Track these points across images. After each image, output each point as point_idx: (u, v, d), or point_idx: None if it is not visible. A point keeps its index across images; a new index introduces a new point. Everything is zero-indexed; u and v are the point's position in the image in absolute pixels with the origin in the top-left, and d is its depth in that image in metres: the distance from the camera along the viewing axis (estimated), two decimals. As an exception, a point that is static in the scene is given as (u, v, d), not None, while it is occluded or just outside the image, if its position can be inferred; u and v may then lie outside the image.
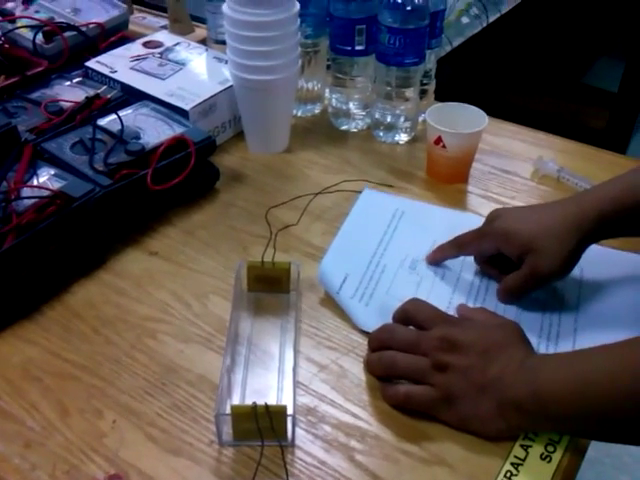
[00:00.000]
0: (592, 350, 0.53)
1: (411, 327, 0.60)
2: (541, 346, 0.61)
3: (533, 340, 0.59)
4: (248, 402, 0.53)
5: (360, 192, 0.80)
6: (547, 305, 0.66)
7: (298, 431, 0.55)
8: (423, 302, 0.61)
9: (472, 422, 0.54)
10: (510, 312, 0.65)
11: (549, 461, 0.53)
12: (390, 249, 0.72)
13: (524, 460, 0.53)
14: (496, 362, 0.54)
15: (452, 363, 0.55)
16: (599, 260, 0.69)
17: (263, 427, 0.52)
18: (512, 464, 0.53)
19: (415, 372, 0.56)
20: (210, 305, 0.67)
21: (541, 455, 0.53)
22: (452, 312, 0.65)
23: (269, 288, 0.67)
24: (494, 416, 0.54)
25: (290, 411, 0.53)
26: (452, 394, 0.55)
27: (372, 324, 0.62)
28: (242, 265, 0.66)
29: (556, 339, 0.62)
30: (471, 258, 0.70)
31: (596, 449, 0.55)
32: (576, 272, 0.69)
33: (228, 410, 0.53)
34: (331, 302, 0.67)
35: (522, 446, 0.54)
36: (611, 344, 0.52)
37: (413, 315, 0.60)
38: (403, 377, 0.57)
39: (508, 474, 0.52)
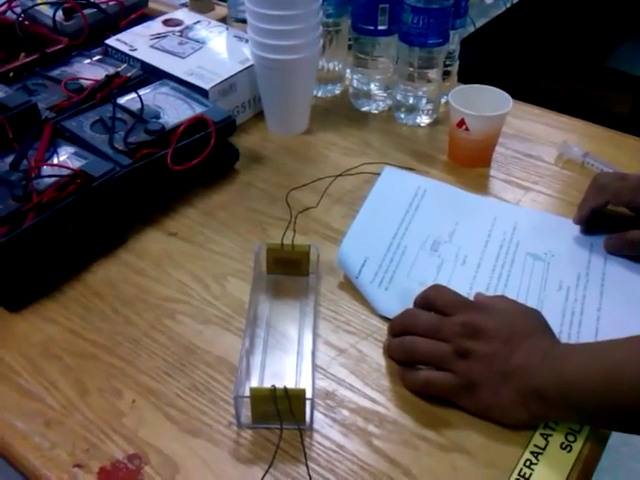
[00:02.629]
0: (620, 341, 0.52)
1: (433, 313, 0.59)
2: (563, 334, 0.61)
3: (555, 328, 0.58)
4: (267, 385, 0.53)
5: (380, 174, 0.79)
6: (570, 293, 0.65)
7: (316, 415, 0.55)
8: (445, 288, 0.60)
9: (493, 410, 0.54)
10: (532, 299, 0.64)
11: (569, 450, 0.52)
12: (412, 229, 0.72)
13: (544, 449, 0.52)
14: (520, 350, 0.54)
15: (474, 350, 0.54)
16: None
17: (282, 410, 0.51)
18: (532, 453, 0.52)
19: (436, 358, 0.56)
20: (229, 287, 0.67)
21: (561, 444, 0.53)
22: (473, 298, 0.64)
23: (288, 271, 0.67)
24: (516, 405, 0.53)
25: (309, 395, 0.52)
26: (473, 381, 0.54)
27: (392, 309, 0.62)
28: (261, 247, 0.66)
29: (578, 327, 0.61)
30: (494, 245, 0.70)
31: (613, 437, 0.54)
32: (600, 260, 0.68)
33: (247, 392, 0.53)
34: (350, 286, 0.67)
35: (542, 435, 0.53)
36: None
37: (434, 300, 0.59)
38: (424, 362, 0.57)
39: (528, 463, 0.52)
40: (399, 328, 0.59)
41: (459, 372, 0.54)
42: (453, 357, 0.55)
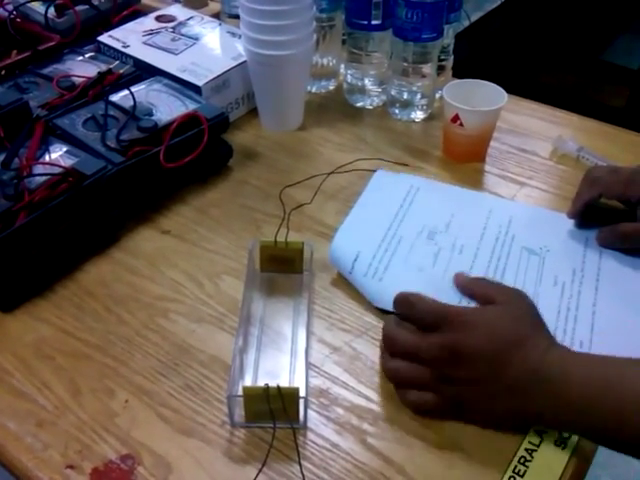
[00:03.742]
0: (627, 365, 0.49)
1: (409, 332, 0.56)
2: (558, 330, 0.60)
3: (551, 323, 0.58)
4: (260, 383, 0.52)
5: (374, 171, 0.79)
6: (565, 288, 0.64)
7: (310, 413, 0.55)
8: (425, 298, 0.57)
9: (486, 424, 0.53)
10: (528, 293, 0.63)
11: (564, 447, 0.52)
12: (406, 221, 0.71)
13: (539, 446, 0.52)
14: (509, 368, 0.51)
15: (457, 376, 0.52)
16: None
17: (275, 409, 0.51)
18: (526, 450, 0.52)
19: (420, 384, 0.54)
20: (222, 285, 0.66)
21: (556, 441, 0.53)
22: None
23: (282, 268, 0.66)
24: (509, 422, 0.52)
25: (302, 393, 0.52)
26: (462, 403, 0.53)
27: (387, 300, 0.61)
28: (255, 244, 0.65)
29: (574, 322, 0.61)
30: (489, 237, 0.69)
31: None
32: (595, 255, 0.68)
33: (240, 391, 0.52)
34: (344, 283, 0.66)
35: (536, 432, 0.53)
36: None
37: (412, 308, 0.57)
38: (408, 387, 0.55)
39: (522, 460, 0.52)
40: (385, 346, 0.58)
41: (446, 396, 0.53)
42: (437, 382, 0.53)
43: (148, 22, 0.95)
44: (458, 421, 0.54)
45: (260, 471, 0.50)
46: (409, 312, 0.57)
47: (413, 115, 0.90)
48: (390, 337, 0.57)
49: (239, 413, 0.54)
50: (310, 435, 0.54)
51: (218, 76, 0.85)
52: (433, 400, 0.53)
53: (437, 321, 0.54)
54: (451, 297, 0.63)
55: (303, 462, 0.51)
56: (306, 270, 0.67)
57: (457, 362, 0.51)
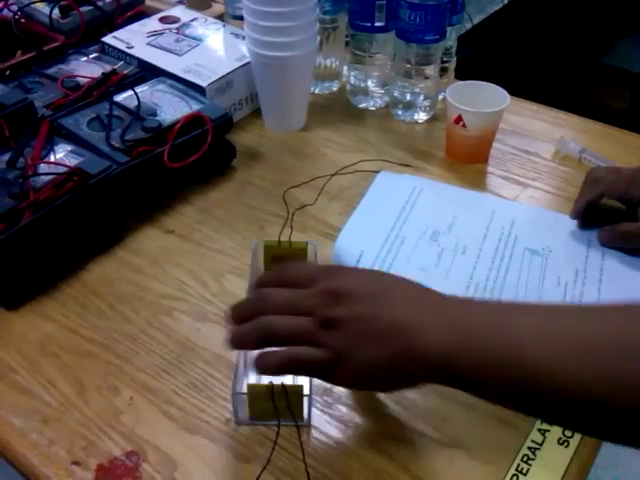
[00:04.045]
0: (526, 308, 0.45)
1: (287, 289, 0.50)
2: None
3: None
4: (265, 381, 0.52)
5: (377, 172, 0.79)
6: (568, 288, 0.65)
7: (314, 411, 0.55)
8: (297, 263, 0.54)
9: (368, 377, 0.46)
10: (531, 294, 0.64)
11: (567, 446, 0.52)
12: (410, 221, 0.72)
13: (541, 444, 0.53)
14: (393, 306, 0.46)
15: (339, 316, 0.46)
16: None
17: (280, 407, 0.51)
18: (529, 448, 0.52)
19: (300, 335, 0.47)
20: (226, 284, 0.67)
21: (559, 440, 0.53)
22: (473, 286, 0.64)
23: None
24: (394, 370, 0.45)
25: (306, 391, 0.52)
26: (343, 351, 0.45)
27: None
28: (258, 244, 0.66)
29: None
30: (492, 238, 0.70)
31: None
32: (597, 256, 0.68)
33: (245, 389, 0.53)
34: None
35: (540, 430, 0.53)
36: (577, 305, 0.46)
37: (286, 274, 0.51)
38: (283, 342, 0.47)
39: (525, 458, 0.52)
40: (249, 312, 0.49)
41: (327, 345, 0.46)
42: (318, 330, 0.46)
43: (152, 23, 0.96)
44: (339, 383, 0.49)
45: (264, 468, 0.51)
46: (280, 274, 0.51)
47: (416, 116, 0.90)
48: (260, 294, 0.50)
49: (244, 411, 0.54)
50: (314, 433, 0.54)
51: (222, 77, 0.85)
52: (312, 352, 0.46)
53: (314, 275, 0.49)
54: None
55: (307, 459, 0.51)
56: None
57: (339, 301, 0.46)
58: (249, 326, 0.48)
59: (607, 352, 0.40)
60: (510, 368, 0.41)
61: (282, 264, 0.53)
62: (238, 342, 0.49)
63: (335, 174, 0.80)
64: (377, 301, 0.47)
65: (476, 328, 0.44)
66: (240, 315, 0.49)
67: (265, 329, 0.47)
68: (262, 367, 0.47)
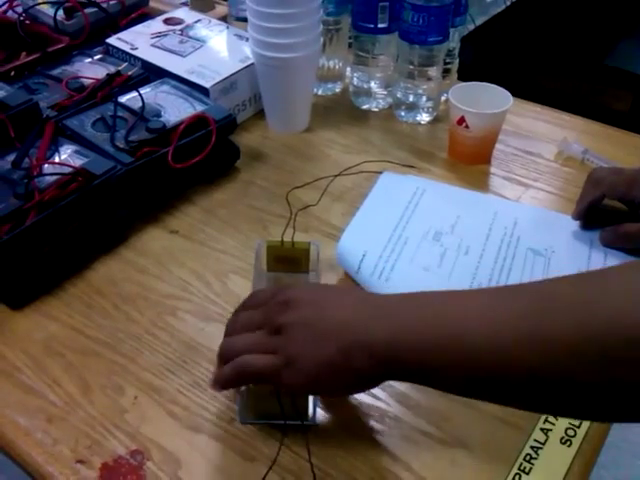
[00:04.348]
0: (463, 293, 0.46)
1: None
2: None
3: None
4: None
5: (380, 172, 0.80)
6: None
7: (318, 411, 0.55)
8: (261, 289, 0.57)
9: (316, 377, 0.47)
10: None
11: (569, 445, 0.53)
12: (412, 222, 0.72)
13: (544, 444, 0.53)
14: (337, 307, 0.48)
15: (286, 321, 0.48)
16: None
17: (285, 405, 0.52)
18: (532, 447, 0.52)
19: (252, 345, 0.49)
20: (230, 284, 0.67)
21: (561, 439, 0.53)
22: (476, 287, 0.64)
23: (289, 268, 0.67)
24: (339, 366, 0.46)
25: None
26: (291, 353, 0.47)
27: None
28: (261, 244, 0.66)
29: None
30: (495, 239, 0.70)
31: (612, 434, 0.54)
32: (600, 256, 0.68)
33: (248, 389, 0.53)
34: (351, 283, 0.67)
35: (542, 430, 0.54)
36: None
37: (250, 300, 0.55)
38: (242, 355, 0.50)
39: (528, 457, 0.52)
40: (224, 352, 0.52)
41: (277, 350, 0.48)
42: (268, 338, 0.49)
43: (156, 25, 0.96)
44: (293, 379, 0.48)
45: (270, 468, 0.51)
46: (247, 301, 0.55)
47: (419, 117, 0.91)
48: (229, 322, 0.54)
49: (248, 410, 0.54)
50: (318, 432, 0.54)
51: (226, 78, 0.85)
52: (263, 357, 0.48)
53: (271, 292, 0.53)
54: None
55: (311, 459, 0.52)
56: (312, 270, 0.67)
57: (286, 309, 0.49)
58: (227, 369, 0.50)
59: (540, 315, 0.40)
60: (453, 353, 0.42)
61: (250, 294, 0.56)
62: (221, 384, 0.52)
63: (339, 175, 0.80)
64: (321, 305, 0.49)
65: (418, 318, 0.45)
66: (221, 358, 0.52)
67: (225, 347, 0.52)
68: (216, 385, 0.51)
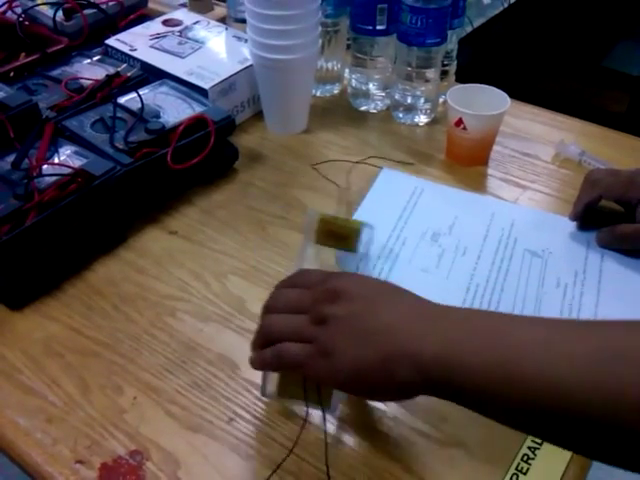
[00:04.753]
0: (522, 319, 0.45)
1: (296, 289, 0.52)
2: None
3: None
4: None
5: (380, 168, 0.80)
6: (567, 289, 0.65)
7: (318, 412, 0.55)
8: (310, 269, 0.55)
9: (353, 377, 0.45)
10: (530, 295, 0.65)
11: (567, 445, 0.53)
12: (410, 222, 0.72)
13: (541, 444, 0.53)
14: (389, 307, 0.46)
15: (333, 312, 0.46)
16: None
17: (309, 390, 0.50)
18: (529, 448, 0.53)
19: (292, 330, 0.48)
20: (229, 285, 0.67)
21: (559, 439, 0.53)
22: (474, 288, 0.65)
23: (337, 244, 0.65)
24: (376, 368, 0.44)
25: None
26: (330, 345, 0.46)
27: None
28: (313, 215, 0.64)
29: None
30: (492, 240, 0.70)
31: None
32: (597, 257, 0.69)
33: None
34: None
35: (540, 430, 0.54)
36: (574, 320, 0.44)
37: (298, 278, 0.53)
38: (282, 340, 0.49)
39: (525, 457, 0.52)
40: (264, 334, 0.51)
41: (316, 340, 0.46)
42: (310, 326, 0.47)
43: (155, 26, 0.96)
44: (328, 373, 0.46)
45: (277, 469, 0.51)
46: (293, 279, 0.53)
47: (417, 119, 0.91)
48: (271, 297, 0.52)
49: (272, 385, 0.53)
50: (315, 432, 0.54)
51: (224, 79, 0.86)
52: (300, 346, 0.47)
53: (323, 276, 0.51)
54: (455, 298, 0.64)
55: (308, 458, 0.52)
56: (360, 251, 0.65)
57: (336, 299, 0.47)
58: (267, 353, 0.49)
59: (608, 365, 0.38)
60: (508, 381, 0.40)
61: (298, 270, 0.55)
62: (259, 365, 0.51)
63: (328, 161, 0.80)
64: (372, 302, 0.47)
65: (475, 339, 0.42)
66: (258, 341, 0.51)
67: (265, 327, 0.50)
68: (255, 365, 0.51)
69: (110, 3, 0.98)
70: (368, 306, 0.46)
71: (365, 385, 0.45)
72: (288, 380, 0.52)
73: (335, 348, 0.45)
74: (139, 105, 0.77)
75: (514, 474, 0.51)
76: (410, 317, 0.45)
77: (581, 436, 0.39)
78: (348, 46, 0.94)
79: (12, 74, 0.84)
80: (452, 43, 0.91)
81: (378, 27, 0.87)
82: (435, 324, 0.44)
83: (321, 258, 0.65)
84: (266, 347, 0.49)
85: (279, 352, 0.48)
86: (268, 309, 0.52)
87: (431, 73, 0.87)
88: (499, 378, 0.40)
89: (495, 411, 0.42)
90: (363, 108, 0.95)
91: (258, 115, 0.92)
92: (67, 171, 0.67)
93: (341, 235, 0.64)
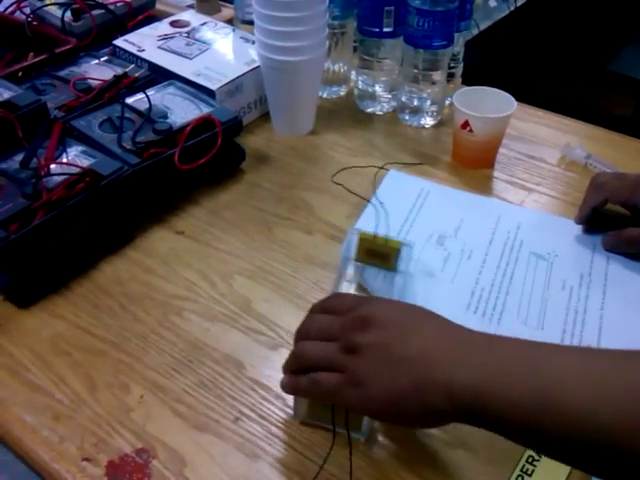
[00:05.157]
0: (559, 348, 0.44)
1: (327, 315, 0.52)
2: (566, 333, 0.61)
3: (558, 326, 0.59)
4: None
5: (387, 170, 0.80)
6: (573, 292, 0.65)
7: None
8: (344, 293, 0.56)
9: (386, 405, 0.45)
10: (536, 298, 0.65)
11: (572, 447, 0.53)
12: (416, 225, 0.73)
13: (547, 445, 0.53)
14: (421, 334, 0.46)
15: (364, 342, 0.46)
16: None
17: (338, 415, 0.51)
18: (535, 449, 0.53)
19: (323, 358, 0.48)
20: (235, 285, 0.67)
21: (564, 441, 0.53)
22: (479, 292, 0.65)
23: (377, 263, 0.65)
24: (408, 396, 0.44)
25: None
26: (361, 374, 0.46)
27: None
28: (353, 234, 0.64)
29: (582, 326, 0.62)
30: (498, 243, 0.70)
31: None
32: (602, 260, 0.69)
33: None
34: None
35: (545, 432, 0.54)
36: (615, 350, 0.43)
37: (330, 304, 0.53)
38: (313, 367, 0.49)
39: (530, 459, 0.52)
40: (295, 340, 0.53)
41: (347, 369, 0.46)
42: (341, 355, 0.47)
43: (163, 27, 0.97)
44: (360, 403, 0.46)
45: (318, 473, 0.51)
46: (326, 302, 0.54)
47: (423, 121, 0.91)
48: (304, 322, 0.53)
49: (303, 408, 0.54)
50: (320, 431, 0.54)
51: (232, 80, 0.86)
52: (331, 376, 0.47)
53: (354, 302, 0.51)
54: (460, 302, 0.64)
55: (313, 458, 0.52)
56: (401, 270, 0.64)
57: (366, 327, 0.47)
58: (301, 381, 0.50)
59: (636, 400, 0.37)
60: (543, 413, 0.40)
61: (331, 294, 0.55)
62: (291, 390, 0.52)
63: (338, 172, 0.80)
64: (403, 328, 0.47)
65: (508, 368, 0.42)
66: (291, 366, 0.52)
67: (297, 354, 0.51)
68: (287, 389, 0.52)
69: (118, 4, 0.99)
70: (399, 333, 0.46)
71: (397, 413, 0.45)
72: (319, 404, 0.52)
73: (366, 377, 0.45)
74: (147, 106, 0.77)
75: (519, 476, 0.51)
76: (441, 344, 0.45)
77: (615, 467, 0.39)
78: (355, 48, 0.94)
79: (20, 74, 0.84)
80: (459, 46, 0.91)
81: (385, 29, 0.87)
82: (466, 351, 0.44)
83: (358, 276, 0.65)
84: (298, 372, 0.50)
85: (313, 382, 0.48)
86: (301, 335, 0.52)
87: (438, 75, 0.87)
88: (535, 411, 0.40)
89: (528, 440, 0.43)
90: (369, 110, 0.95)
91: (265, 116, 0.92)
92: (75, 170, 0.67)
93: (381, 254, 0.64)
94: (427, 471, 0.52)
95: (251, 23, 0.85)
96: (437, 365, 0.44)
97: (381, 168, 0.82)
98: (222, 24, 0.98)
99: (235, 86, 0.87)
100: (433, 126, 0.91)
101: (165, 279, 0.68)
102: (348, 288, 0.63)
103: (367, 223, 0.72)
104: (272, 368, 0.59)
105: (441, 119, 0.92)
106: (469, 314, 0.63)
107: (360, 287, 0.64)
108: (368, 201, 0.76)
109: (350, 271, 0.64)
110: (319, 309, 0.53)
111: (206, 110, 0.79)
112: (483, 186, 0.81)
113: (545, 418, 0.40)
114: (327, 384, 0.47)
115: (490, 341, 0.45)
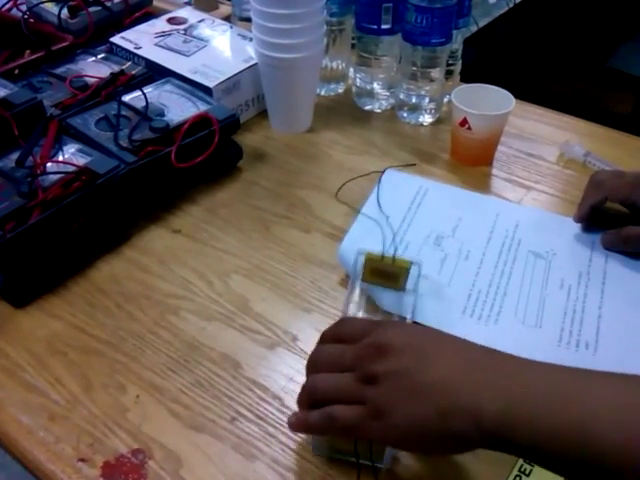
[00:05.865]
0: (593, 374, 0.42)
1: (337, 345, 0.50)
2: (564, 332, 0.61)
3: (557, 326, 0.58)
4: None
5: (384, 170, 0.80)
6: (571, 291, 0.65)
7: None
8: (352, 317, 0.55)
9: (410, 435, 0.43)
10: (534, 297, 0.64)
11: (570, 447, 0.53)
12: (414, 225, 0.72)
13: (545, 445, 0.53)
14: (441, 360, 0.44)
15: (381, 370, 0.44)
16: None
17: (360, 446, 0.49)
18: (533, 449, 0.53)
19: (340, 391, 0.46)
20: (232, 284, 0.67)
21: (562, 441, 0.53)
22: (475, 294, 0.64)
23: (385, 283, 0.63)
24: (432, 422, 0.42)
25: None
26: (382, 406, 0.44)
27: (396, 304, 0.62)
28: (360, 253, 0.62)
29: (580, 325, 0.62)
30: (496, 242, 0.70)
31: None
32: (601, 259, 0.68)
33: None
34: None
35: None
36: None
37: (340, 330, 0.51)
38: (328, 401, 0.46)
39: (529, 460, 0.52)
40: (307, 373, 0.50)
41: (366, 400, 0.44)
42: (358, 386, 0.45)
43: (160, 24, 0.96)
44: (376, 438, 0.45)
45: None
46: (336, 329, 0.51)
47: (421, 119, 0.91)
48: (314, 353, 0.50)
49: (323, 443, 0.52)
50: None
51: (229, 78, 0.86)
52: (351, 409, 0.45)
53: (365, 328, 0.49)
54: (456, 304, 0.63)
55: (312, 457, 0.52)
56: (409, 290, 0.63)
57: (383, 355, 0.45)
58: (314, 416, 0.47)
59: None
60: (575, 444, 0.39)
61: (341, 319, 0.53)
62: (303, 429, 0.50)
63: (349, 181, 0.80)
64: (421, 354, 0.45)
65: (538, 396, 0.41)
66: (304, 402, 0.49)
67: (309, 387, 0.48)
68: (300, 428, 0.49)
69: (115, 1, 0.98)
70: (418, 359, 0.44)
71: (421, 442, 0.44)
72: (339, 437, 0.50)
73: (388, 407, 0.43)
74: (143, 103, 0.77)
75: (517, 475, 0.51)
76: (462, 367, 0.43)
77: None
78: (353, 45, 0.94)
79: (17, 71, 0.84)
80: (457, 43, 0.91)
81: (383, 26, 0.87)
82: (491, 374, 0.43)
83: (367, 296, 0.63)
84: (312, 407, 0.47)
85: (328, 417, 0.45)
86: (311, 367, 0.50)
87: (436, 73, 0.87)
88: (563, 439, 0.39)
89: (559, 468, 0.41)
90: (367, 107, 0.94)
91: (262, 114, 0.92)
92: (71, 169, 0.67)
93: (389, 274, 0.62)
94: (425, 470, 0.52)
95: (249, 20, 0.84)
96: (462, 390, 0.42)
97: (382, 173, 0.81)
98: (219, 21, 0.98)
99: (232, 83, 0.86)
100: (431, 123, 0.91)
101: (161, 278, 0.68)
102: (357, 309, 0.62)
103: (364, 223, 0.72)
104: (269, 368, 0.59)
105: (439, 116, 0.92)
106: (465, 318, 0.62)
107: (369, 301, 0.63)
108: (359, 211, 0.75)
109: (358, 292, 0.63)
110: (329, 338, 0.51)
111: (203, 108, 0.79)
112: (481, 184, 0.81)
113: (572, 447, 0.39)
114: (345, 418, 0.45)
115: (515, 363, 0.44)
